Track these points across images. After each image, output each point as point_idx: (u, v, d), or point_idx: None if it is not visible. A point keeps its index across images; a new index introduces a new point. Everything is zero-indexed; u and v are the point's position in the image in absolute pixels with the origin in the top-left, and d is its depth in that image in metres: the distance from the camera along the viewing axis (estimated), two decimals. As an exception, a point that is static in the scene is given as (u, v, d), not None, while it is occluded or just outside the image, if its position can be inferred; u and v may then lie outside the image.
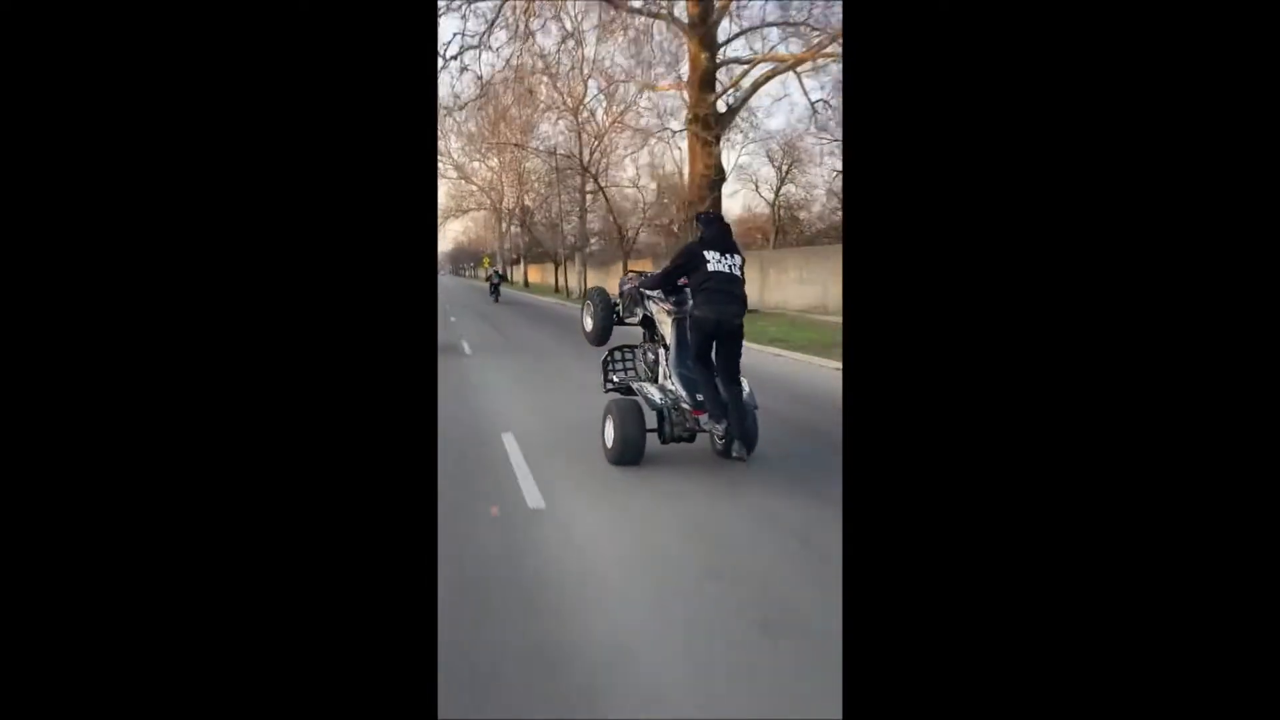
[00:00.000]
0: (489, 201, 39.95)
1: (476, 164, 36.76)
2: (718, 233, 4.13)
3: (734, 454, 3.91)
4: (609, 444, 4.24)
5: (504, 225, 41.00)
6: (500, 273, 27.99)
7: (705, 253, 3.99)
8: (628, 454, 4.14)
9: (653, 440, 4.26)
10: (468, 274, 76.62)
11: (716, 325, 3.91)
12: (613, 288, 5.15)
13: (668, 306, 4.32)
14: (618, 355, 4.87)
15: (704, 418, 3.93)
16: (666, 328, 4.35)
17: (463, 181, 38.38)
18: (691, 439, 4.23)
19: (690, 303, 4.04)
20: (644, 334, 4.74)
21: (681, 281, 4.17)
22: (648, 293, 4.45)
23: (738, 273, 4.01)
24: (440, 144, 33.04)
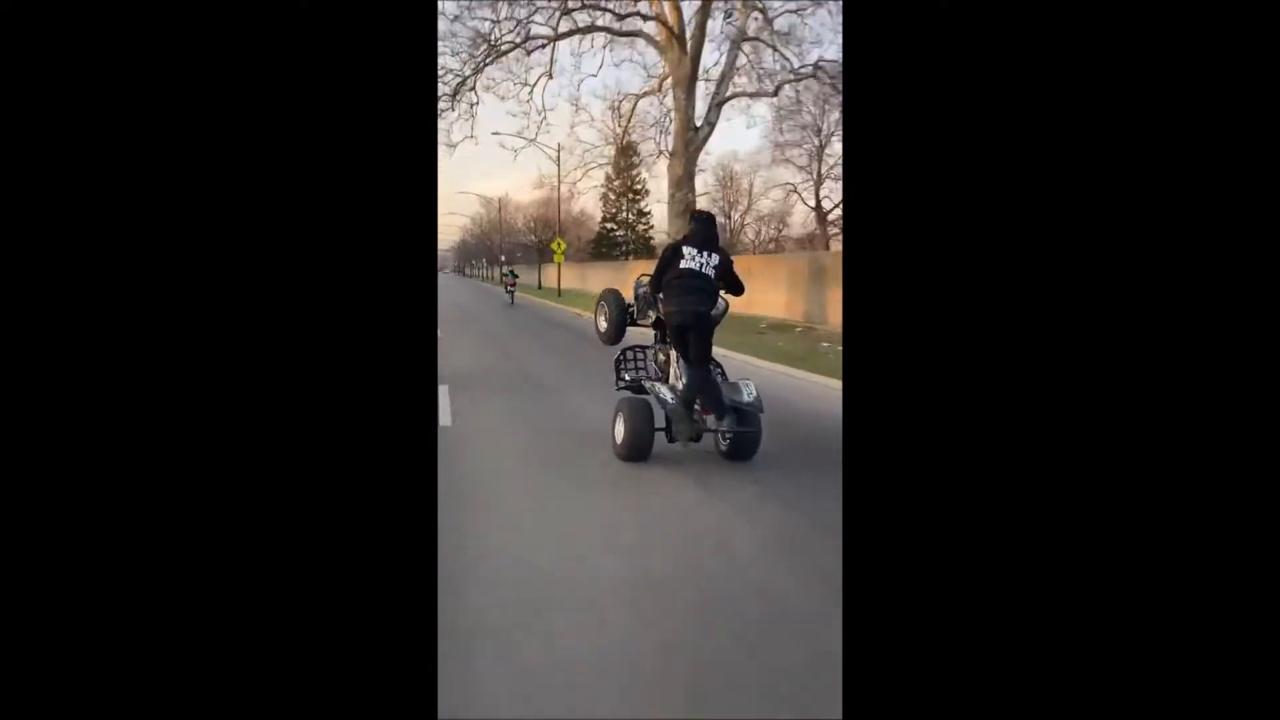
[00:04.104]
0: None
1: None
2: (701, 231, 4.37)
3: (723, 429, 4.22)
4: (618, 440, 4.37)
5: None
6: (515, 272, 26.92)
7: (684, 249, 4.28)
8: (636, 451, 4.29)
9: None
10: (482, 274, 61.81)
11: (680, 316, 4.19)
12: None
13: None
14: (630, 355, 5.04)
15: (710, 418, 4.18)
16: None
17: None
18: (698, 439, 4.37)
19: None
20: (655, 335, 4.90)
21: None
22: (658, 295, 4.60)
23: (709, 270, 4.24)
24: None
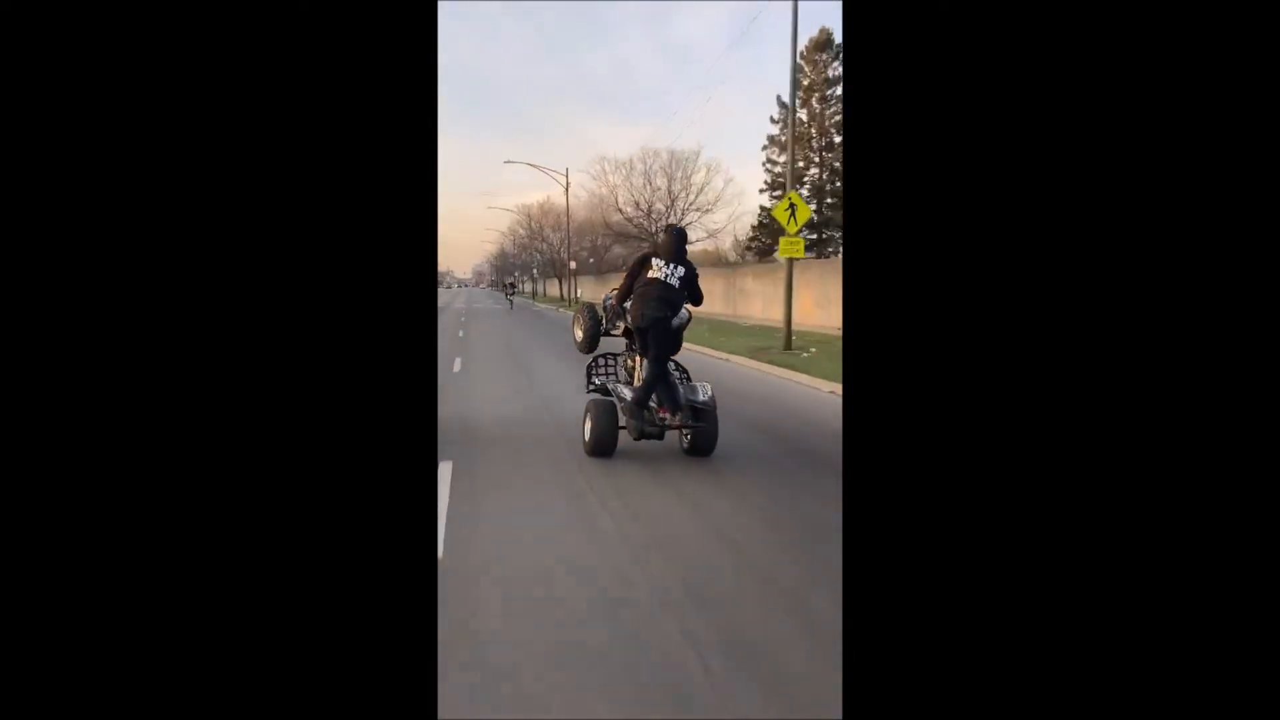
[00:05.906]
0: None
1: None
2: (670, 244, 4.86)
3: (678, 425, 4.66)
4: (586, 437, 4.92)
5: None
6: (514, 284, 30.41)
7: (653, 261, 4.80)
8: (601, 447, 4.85)
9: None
10: (520, 291, 45.03)
11: (640, 320, 4.70)
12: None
13: None
14: (601, 361, 5.56)
15: (667, 415, 4.68)
16: None
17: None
18: (660, 436, 4.86)
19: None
20: (626, 343, 5.37)
21: None
22: (624, 307, 5.12)
23: (673, 281, 4.75)
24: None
